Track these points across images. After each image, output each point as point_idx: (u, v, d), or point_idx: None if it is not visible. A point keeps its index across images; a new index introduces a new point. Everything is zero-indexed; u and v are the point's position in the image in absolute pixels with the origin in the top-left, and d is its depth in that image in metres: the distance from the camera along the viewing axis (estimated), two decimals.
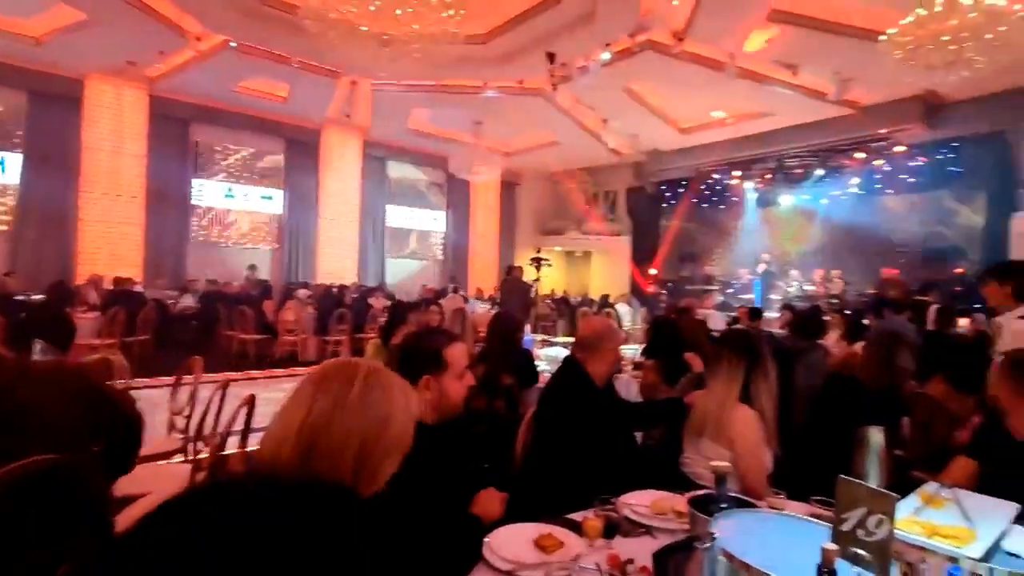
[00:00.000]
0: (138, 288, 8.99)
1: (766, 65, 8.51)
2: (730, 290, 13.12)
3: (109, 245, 9.94)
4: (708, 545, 0.94)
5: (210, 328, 8.91)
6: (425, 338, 1.76)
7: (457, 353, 1.71)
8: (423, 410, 1.62)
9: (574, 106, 10.98)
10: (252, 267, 10.82)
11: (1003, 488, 1.45)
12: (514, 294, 8.69)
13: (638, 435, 3.02)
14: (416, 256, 15.07)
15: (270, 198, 12.37)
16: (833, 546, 0.92)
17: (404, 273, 14.07)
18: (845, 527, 0.98)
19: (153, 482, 2.44)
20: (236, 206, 12.02)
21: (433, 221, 15.25)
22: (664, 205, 14.59)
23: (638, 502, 1.77)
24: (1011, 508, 1.30)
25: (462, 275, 14.83)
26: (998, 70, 5.62)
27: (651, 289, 13.52)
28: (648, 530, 1.65)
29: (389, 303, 8.56)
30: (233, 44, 8.60)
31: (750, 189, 13.41)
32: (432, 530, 1.49)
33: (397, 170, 14.37)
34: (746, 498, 1.52)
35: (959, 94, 8.85)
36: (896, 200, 11.94)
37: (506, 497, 1.69)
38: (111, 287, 8.52)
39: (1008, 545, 1.15)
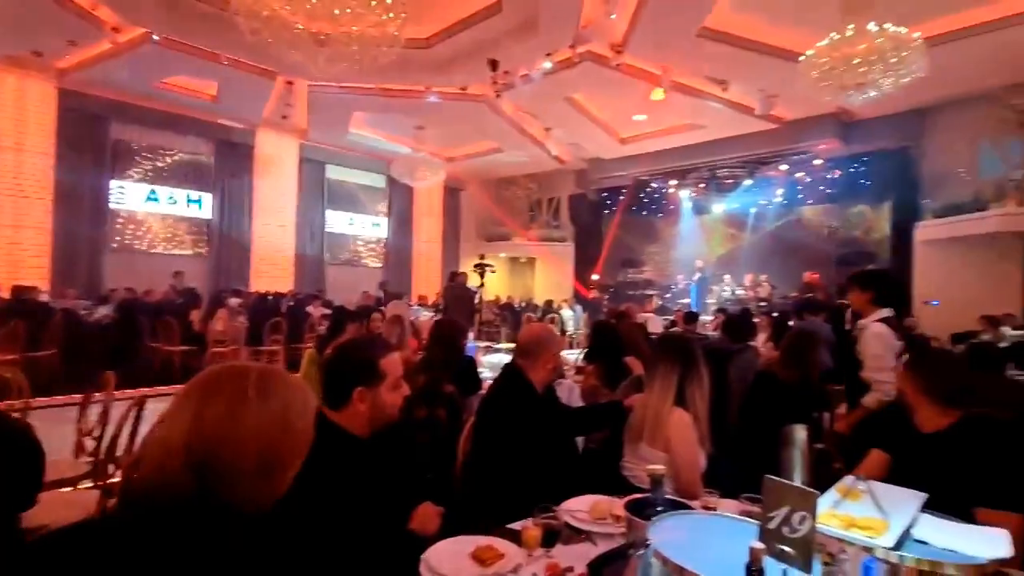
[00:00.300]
0: (44, 298, 8.22)
1: (698, 80, 8.93)
2: (668, 294, 13.62)
3: (9, 251, 9.06)
4: (642, 552, 0.95)
5: (130, 340, 8.27)
6: (358, 348, 1.68)
7: (393, 363, 1.65)
8: (355, 424, 1.56)
9: (517, 114, 11.09)
10: (178, 273, 10.15)
11: (911, 478, 1.55)
12: (458, 301, 8.61)
13: (580, 439, 3.04)
14: (357, 263, 14.68)
15: (198, 202, 11.69)
16: (760, 545, 0.94)
17: (344, 280, 13.65)
18: (771, 525, 1.01)
19: (56, 511, 2.22)
20: (160, 210, 11.27)
21: (374, 227, 14.93)
22: (606, 212, 14.98)
23: (578, 508, 1.78)
24: (918, 498, 1.39)
25: (405, 282, 14.59)
26: (903, 91, 6.18)
27: (593, 294, 13.81)
28: (588, 536, 1.66)
29: (328, 311, 8.28)
30: (156, 38, 8.08)
31: (686, 197, 14.00)
32: (365, 550, 1.42)
33: (337, 174, 13.98)
34: (681, 500, 1.55)
35: (868, 112, 9.63)
36: (815, 209, 12.83)
37: (443, 511, 1.65)
38: (8, 296, 7.75)
39: (917, 533, 1.23)
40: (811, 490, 1.00)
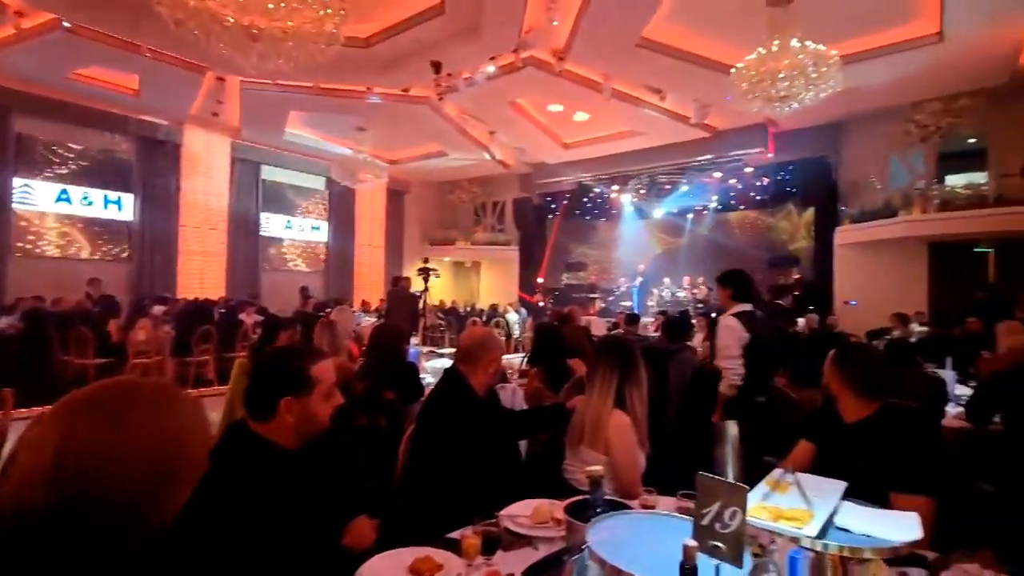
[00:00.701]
0: None
1: (638, 89, 9.20)
2: (611, 297, 13.92)
3: None
4: (576, 556, 0.93)
5: (37, 353, 7.55)
6: (286, 356, 1.59)
7: (325, 370, 1.56)
8: (282, 436, 1.46)
9: (461, 117, 11.03)
10: (93, 280, 9.39)
11: (836, 466, 1.63)
12: (401, 305, 8.44)
13: (524, 443, 3.03)
14: (295, 268, 14.12)
15: (117, 202, 10.88)
16: (693, 542, 0.95)
17: (281, 286, 13.08)
18: (704, 522, 1.02)
19: None
20: (74, 211, 10.39)
21: (314, 230, 14.42)
22: (550, 216, 15.15)
23: (519, 513, 1.75)
24: (840, 486, 1.45)
25: (347, 287, 14.17)
26: (823, 104, 6.63)
27: (536, 298, 13.92)
28: (529, 541, 1.63)
29: (262, 318, 7.91)
30: (67, 24, 7.46)
31: (627, 202, 14.38)
32: (293, 569, 1.34)
33: (273, 175, 13.41)
34: (620, 500, 1.55)
35: (792, 124, 10.25)
36: (747, 214, 13.50)
37: (378, 524, 1.58)
38: None
39: (839, 521, 1.28)
40: (741, 485, 1.01)
